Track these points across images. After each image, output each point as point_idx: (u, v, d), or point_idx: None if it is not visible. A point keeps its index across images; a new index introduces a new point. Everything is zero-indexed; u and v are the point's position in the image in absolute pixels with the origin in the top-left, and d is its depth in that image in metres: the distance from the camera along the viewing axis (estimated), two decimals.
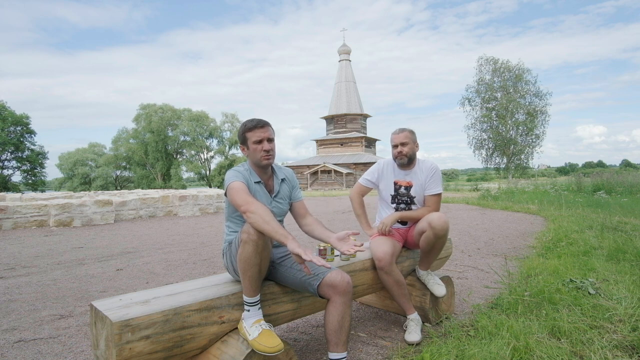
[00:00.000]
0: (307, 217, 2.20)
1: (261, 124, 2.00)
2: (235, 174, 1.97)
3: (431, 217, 2.42)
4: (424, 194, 2.67)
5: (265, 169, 2.06)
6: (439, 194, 2.67)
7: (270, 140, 2.01)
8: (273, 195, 2.09)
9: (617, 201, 9.51)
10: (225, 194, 1.94)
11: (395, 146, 2.65)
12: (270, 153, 2.00)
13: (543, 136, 27.67)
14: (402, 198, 2.69)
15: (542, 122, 27.50)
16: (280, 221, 2.16)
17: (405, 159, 2.63)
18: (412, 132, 2.67)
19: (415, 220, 2.63)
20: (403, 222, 2.71)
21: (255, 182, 2.03)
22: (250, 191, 1.92)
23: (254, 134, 1.99)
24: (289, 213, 2.25)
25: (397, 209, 2.71)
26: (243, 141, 2.04)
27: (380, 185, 2.77)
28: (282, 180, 2.15)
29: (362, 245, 1.88)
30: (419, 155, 2.76)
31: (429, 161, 2.72)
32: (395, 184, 2.71)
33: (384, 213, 2.77)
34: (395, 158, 2.67)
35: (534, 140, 27.82)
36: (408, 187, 2.67)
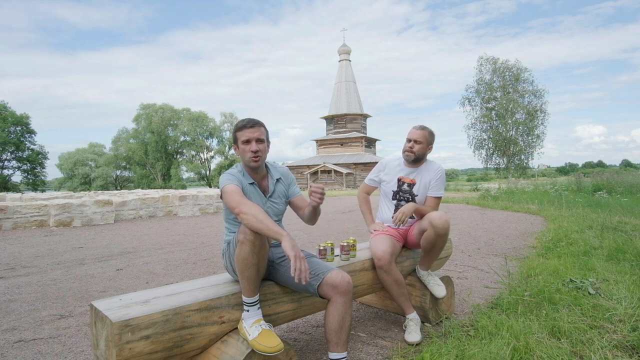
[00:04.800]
0: (306, 208, 2.16)
1: (251, 124, 1.97)
2: (229, 177, 1.96)
3: (432, 216, 2.42)
4: (426, 194, 2.68)
5: (255, 170, 2.04)
6: (440, 197, 2.68)
7: (260, 141, 1.97)
8: (268, 196, 2.08)
9: (617, 201, 9.51)
10: (221, 197, 1.93)
11: (408, 140, 2.66)
12: (258, 154, 1.96)
13: (543, 136, 27.71)
14: (404, 195, 2.70)
15: (541, 121, 27.53)
16: (278, 221, 2.16)
17: (412, 157, 2.65)
18: (431, 134, 2.67)
19: (423, 216, 2.61)
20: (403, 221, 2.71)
21: (249, 184, 2.01)
22: (244, 193, 1.92)
23: (243, 133, 1.96)
24: (286, 213, 2.25)
25: (397, 206, 2.71)
26: (234, 140, 2.03)
27: (384, 181, 2.79)
28: (278, 180, 2.13)
29: (322, 187, 1.97)
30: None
31: (436, 163, 2.73)
32: (399, 180, 2.72)
33: (384, 211, 2.78)
34: (404, 151, 2.68)
35: (534, 140, 27.84)
36: (411, 185, 2.69)
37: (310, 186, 1.99)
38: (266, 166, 2.12)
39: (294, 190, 2.20)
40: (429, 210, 2.57)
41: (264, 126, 2.02)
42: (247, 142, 1.96)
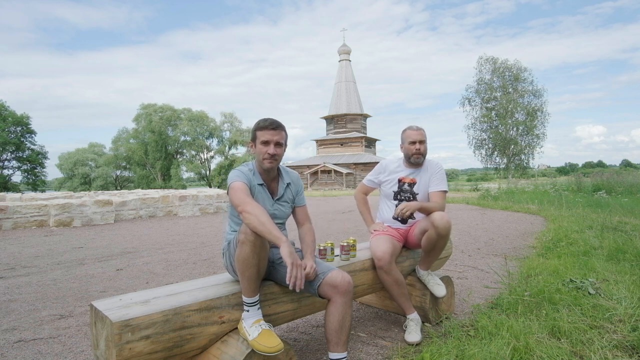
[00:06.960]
0: (304, 225, 2.17)
1: (273, 126, 1.96)
2: (238, 174, 1.96)
3: (434, 216, 2.42)
4: (427, 191, 2.68)
5: (267, 172, 2.04)
6: (445, 192, 2.67)
7: (279, 144, 1.98)
8: (276, 198, 2.08)
9: (617, 201, 9.50)
10: (228, 193, 1.94)
11: (413, 142, 2.65)
12: (274, 157, 1.96)
13: (543, 136, 27.71)
14: (404, 195, 2.71)
15: (541, 121, 27.52)
16: (282, 223, 2.16)
17: (422, 158, 2.66)
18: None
19: (429, 213, 2.60)
20: (403, 221, 2.72)
21: (258, 184, 2.01)
22: (252, 192, 1.92)
23: (264, 134, 1.96)
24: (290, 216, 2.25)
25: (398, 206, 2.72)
26: (253, 138, 2.03)
27: (384, 182, 2.79)
28: (288, 184, 2.13)
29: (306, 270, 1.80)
30: None
31: (434, 161, 2.76)
32: (399, 181, 2.72)
33: (385, 211, 2.79)
34: (412, 155, 2.67)
35: (534, 140, 27.85)
36: (412, 184, 2.70)
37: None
38: (278, 169, 2.11)
39: (300, 199, 2.20)
40: (434, 206, 2.56)
41: (285, 130, 2.02)
42: (266, 143, 1.95)
